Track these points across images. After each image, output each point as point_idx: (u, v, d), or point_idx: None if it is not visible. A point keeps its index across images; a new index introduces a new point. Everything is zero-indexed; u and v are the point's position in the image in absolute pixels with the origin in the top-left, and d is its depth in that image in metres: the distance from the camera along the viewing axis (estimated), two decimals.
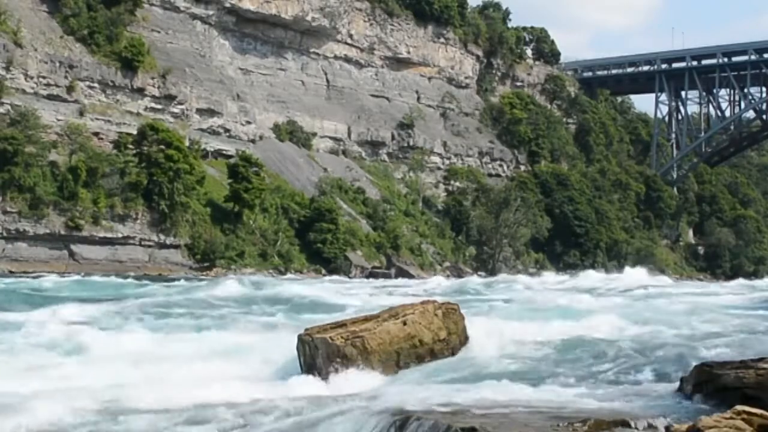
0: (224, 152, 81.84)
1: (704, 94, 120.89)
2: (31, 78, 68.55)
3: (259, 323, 22.47)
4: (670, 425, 9.45)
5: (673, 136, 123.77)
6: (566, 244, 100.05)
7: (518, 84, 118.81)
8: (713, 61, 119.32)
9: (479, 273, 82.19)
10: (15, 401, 12.19)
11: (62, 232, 63.10)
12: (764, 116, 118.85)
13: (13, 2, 70.39)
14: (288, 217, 78.46)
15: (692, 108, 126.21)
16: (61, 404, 12.00)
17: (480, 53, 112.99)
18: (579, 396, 12.01)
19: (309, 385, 14.21)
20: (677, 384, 12.11)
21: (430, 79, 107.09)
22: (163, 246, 68.60)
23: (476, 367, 15.04)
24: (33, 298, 30.73)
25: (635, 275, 59.42)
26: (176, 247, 69.51)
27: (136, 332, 20.20)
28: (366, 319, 15.57)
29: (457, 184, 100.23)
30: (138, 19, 79.91)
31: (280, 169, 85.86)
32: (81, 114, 70.68)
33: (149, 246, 68.00)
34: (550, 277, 66.71)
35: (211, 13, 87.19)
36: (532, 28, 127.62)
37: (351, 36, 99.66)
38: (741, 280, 67.64)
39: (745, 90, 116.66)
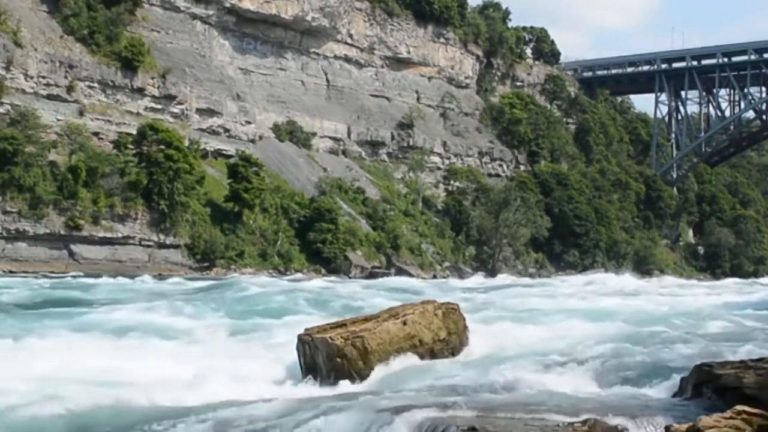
0: (224, 152, 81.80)
1: (704, 94, 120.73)
2: (31, 78, 68.52)
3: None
4: (670, 425, 9.43)
5: (673, 136, 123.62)
6: (566, 244, 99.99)
7: (518, 84, 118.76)
8: (713, 61, 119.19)
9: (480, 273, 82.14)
10: None
11: (62, 232, 63.04)
12: (764, 116, 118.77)
13: (13, 2, 70.33)
14: (288, 217, 78.42)
15: (692, 108, 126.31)
16: None
17: (480, 53, 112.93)
18: (579, 396, 12.01)
19: (309, 384, 14.23)
20: (677, 384, 12.11)
21: (430, 79, 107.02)
22: (162, 246, 68.55)
23: (476, 366, 15.04)
24: None
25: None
26: (176, 247, 69.47)
27: None
28: (366, 319, 15.59)
29: (457, 184, 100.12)
30: (138, 19, 79.88)
31: (280, 169, 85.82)
32: (81, 114, 70.64)
33: (149, 246, 67.94)
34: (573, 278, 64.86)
35: (211, 13, 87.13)
36: (532, 28, 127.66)
37: (351, 36, 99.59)
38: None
39: (745, 90, 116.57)
